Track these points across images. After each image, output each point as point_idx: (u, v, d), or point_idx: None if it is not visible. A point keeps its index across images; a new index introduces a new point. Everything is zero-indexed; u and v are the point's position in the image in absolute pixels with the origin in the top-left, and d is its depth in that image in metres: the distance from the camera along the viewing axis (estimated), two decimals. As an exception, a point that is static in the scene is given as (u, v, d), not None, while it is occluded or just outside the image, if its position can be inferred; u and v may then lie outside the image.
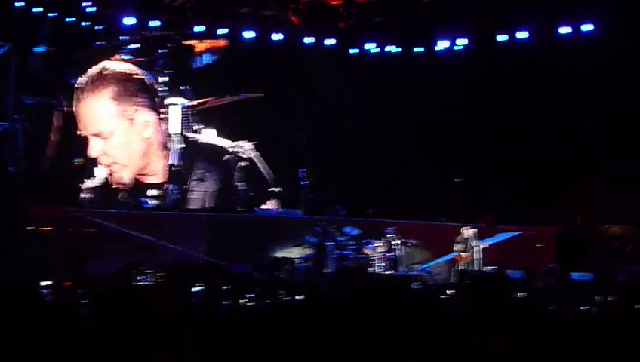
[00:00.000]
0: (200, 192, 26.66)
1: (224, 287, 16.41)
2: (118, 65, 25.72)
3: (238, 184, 26.83)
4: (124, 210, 23.69)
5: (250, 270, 20.18)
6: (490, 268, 22.15)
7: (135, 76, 25.84)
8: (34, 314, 2.88)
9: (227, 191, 26.81)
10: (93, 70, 25.19)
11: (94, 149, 24.88)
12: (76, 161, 25.49)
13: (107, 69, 25.44)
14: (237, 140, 27.05)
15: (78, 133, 24.58)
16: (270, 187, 26.71)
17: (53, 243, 20.28)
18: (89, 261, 19.50)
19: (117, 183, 25.19)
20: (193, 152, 26.89)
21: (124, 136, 25.39)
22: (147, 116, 25.89)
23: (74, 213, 22.32)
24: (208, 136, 26.91)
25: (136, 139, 25.67)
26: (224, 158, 26.96)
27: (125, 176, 25.32)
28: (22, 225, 20.30)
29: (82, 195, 24.82)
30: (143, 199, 24.63)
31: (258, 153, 27.05)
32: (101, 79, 25.21)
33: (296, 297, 14.90)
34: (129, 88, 25.63)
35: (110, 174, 25.13)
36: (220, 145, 27.05)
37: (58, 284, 13.45)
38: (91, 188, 25.00)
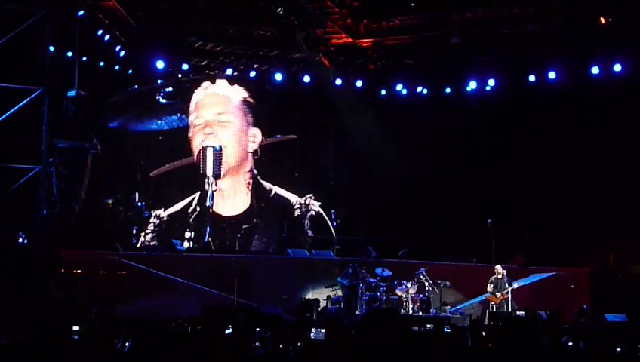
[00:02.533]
0: (267, 237, 27.08)
1: (257, 329, 16.45)
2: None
3: (308, 231, 27.70)
4: (155, 252, 23.75)
5: (280, 311, 20.15)
6: (520, 312, 22.00)
7: None
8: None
9: (296, 236, 27.44)
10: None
11: None
12: (108, 201, 25.71)
13: None
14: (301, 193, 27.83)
15: None
16: (334, 239, 26.87)
17: (82, 287, 20.35)
18: (118, 304, 19.59)
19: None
20: (264, 201, 27.35)
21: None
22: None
23: (104, 256, 22.42)
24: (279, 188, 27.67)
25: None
26: (295, 209, 27.67)
27: None
28: (50, 269, 20.39)
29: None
30: (174, 241, 24.68)
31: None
32: None
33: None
34: None
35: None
36: (289, 198, 27.75)
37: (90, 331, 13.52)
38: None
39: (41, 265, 20.17)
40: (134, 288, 21.27)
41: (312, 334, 11.59)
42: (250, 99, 27.29)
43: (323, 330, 10.91)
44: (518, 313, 22.08)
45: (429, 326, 18.95)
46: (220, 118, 26.86)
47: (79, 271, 21.43)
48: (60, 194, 23.53)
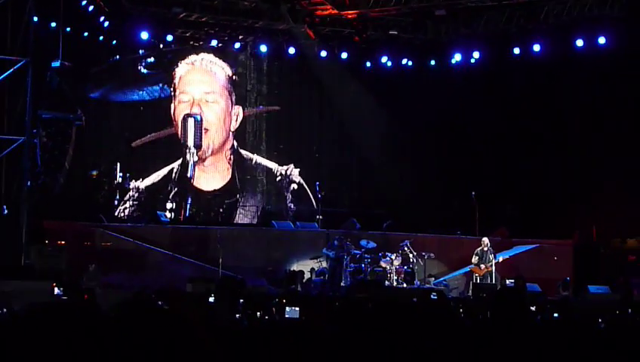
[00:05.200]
0: (250, 208, 27.07)
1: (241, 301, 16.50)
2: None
3: (290, 204, 27.50)
4: (140, 224, 23.76)
5: (265, 283, 20.23)
6: (510, 281, 22.16)
7: None
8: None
9: (279, 208, 27.40)
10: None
11: None
12: (93, 173, 25.67)
13: None
14: (278, 161, 27.70)
15: None
16: (316, 209, 26.84)
17: (67, 258, 20.36)
18: (103, 274, 19.63)
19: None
20: (245, 170, 27.32)
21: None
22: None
23: (89, 228, 22.43)
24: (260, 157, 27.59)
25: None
26: (277, 180, 27.48)
27: None
28: (33, 240, 20.41)
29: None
30: (159, 212, 24.67)
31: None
32: None
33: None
34: None
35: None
36: (271, 166, 27.57)
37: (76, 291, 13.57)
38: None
39: (25, 237, 20.18)
40: (119, 259, 21.31)
41: (286, 313, 11.54)
42: (235, 77, 27.18)
43: (297, 309, 10.88)
44: (507, 282, 22.21)
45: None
46: (207, 97, 26.71)
47: (63, 242, 21.46)
48: (44, 165, 23.47)
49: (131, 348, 2.86)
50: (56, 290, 16.39)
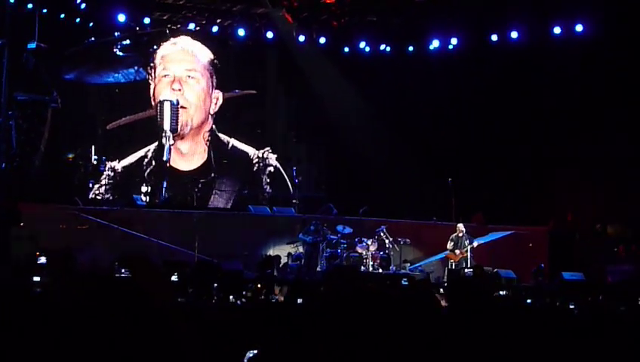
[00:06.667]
0: (226, 191, 27.04)
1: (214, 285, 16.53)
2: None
3: (266, 187, 27.44)
4: (116, 207, 23.68)
5: (241, 267, 20.22)
6: (468, 270, 22.21)
7: None
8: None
9: (255, 193, 27.34)
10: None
11: None
12: (69, 156, 25.57)
13: None
14: (255, 146, 27.66)
15: None
16: (292, 193, 26.86)
17: (43, 241, 20.26)
18: (79, 258, 19.54)
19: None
20: (222, 154, 27.27)
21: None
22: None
23: (65, 210, 22.33)
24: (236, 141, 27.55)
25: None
26: (253, 162, 27.42)
27: None
28: (9, 223, 20.26)
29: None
30: (135, 196, 24.60)
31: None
32: None
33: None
34: None
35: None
36: (247, 151, 27.53)
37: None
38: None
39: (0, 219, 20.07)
40: (94, 242, 21.23)
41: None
42: (216, 61, 27.11)
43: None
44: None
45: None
46: (189, 73, 26.66)
47: (39, 225, 21.36)
48: (20, 147, 23.35)
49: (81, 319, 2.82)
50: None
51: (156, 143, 26.37)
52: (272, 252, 23.37)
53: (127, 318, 2.77)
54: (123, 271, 17.19)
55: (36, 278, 16.43)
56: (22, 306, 2.87)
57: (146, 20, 25.83)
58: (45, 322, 2.77)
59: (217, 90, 27.19)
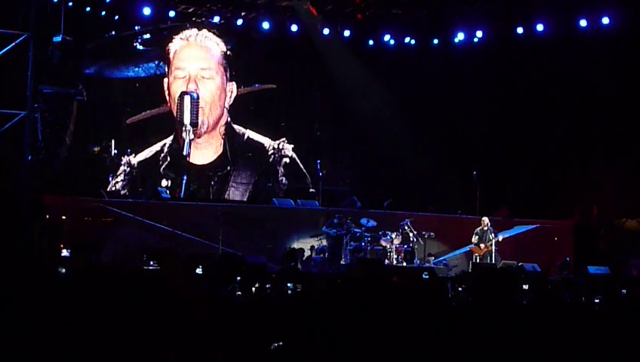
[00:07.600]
0: (242, 184, 27.05)
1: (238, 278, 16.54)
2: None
3: (282, 178, 27.40)
4: (141, 200, 23.74)
5: (264, 260, 20.24)
6: (502, 262, 22.18)
7: None
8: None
9: (271, 185, 27.35)
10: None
11: None
12: (95, 148, 25.67)
13: None
14: (277, 139, 27.59)
15: None
16: (309, 183, 26.90)
17: (67, 234, 20.34)
18: (104, 250, 19.61)
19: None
20: (238, 146, 27.24)
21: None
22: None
23: (90, 203, 22.41)
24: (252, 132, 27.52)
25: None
26: (269, 154, 27.36)
27: None
28: (34, 215, 20.36)
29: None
30: (160, 189, 24.66)
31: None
32: None
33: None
34: None
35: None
36: (263, 142, 27.45)
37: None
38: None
39: (25, 212, 20.16)
40: (121, 236, 21.30)
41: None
42: (230, 53, 27.06)
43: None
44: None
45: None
46: (203, 73, 26.60)
47: (64, 217, 21.46)
48: (45, 140, 23.46)
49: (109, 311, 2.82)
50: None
51: (172, 137, 26.42)
52: (295, 245, 23.36)
53: (154, 310, 2.78)
54: (151, 263, 17.30)
55: (60, 270, 16.50)
56: (47, 295, 2.88)
57: (171, 13, 25.84)
58: (70, 311, 2.78)
59: (231, 83, 27.16)
